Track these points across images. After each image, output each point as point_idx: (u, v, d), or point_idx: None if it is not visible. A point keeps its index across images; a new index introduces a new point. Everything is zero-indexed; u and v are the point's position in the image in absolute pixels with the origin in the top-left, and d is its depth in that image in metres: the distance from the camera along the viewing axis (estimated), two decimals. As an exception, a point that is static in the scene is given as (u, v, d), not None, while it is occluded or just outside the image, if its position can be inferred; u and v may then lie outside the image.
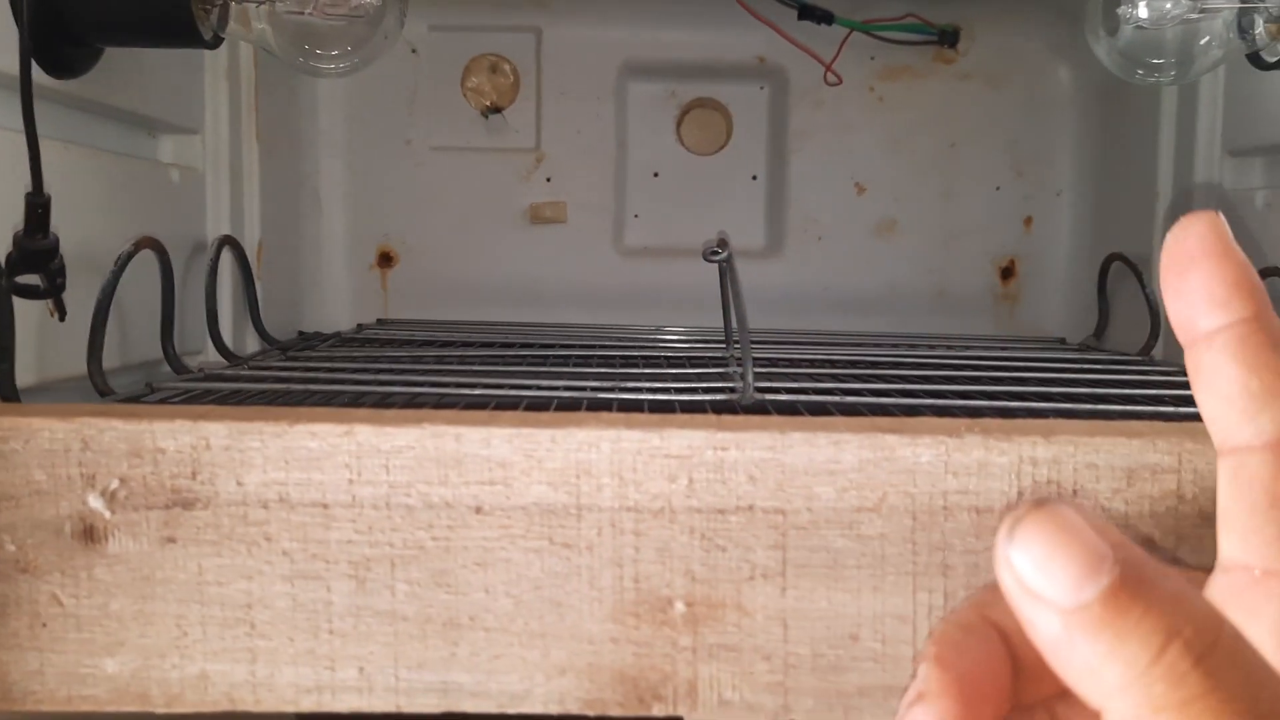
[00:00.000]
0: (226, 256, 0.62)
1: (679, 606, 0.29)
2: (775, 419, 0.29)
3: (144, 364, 0.55)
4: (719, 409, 0.43)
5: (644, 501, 0.29)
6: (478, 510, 0.29)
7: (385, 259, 0.81)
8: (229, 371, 0.50)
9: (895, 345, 0.68)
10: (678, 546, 0.29)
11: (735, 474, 0.29)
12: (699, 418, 0.29)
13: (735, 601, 0.29)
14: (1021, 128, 0.80)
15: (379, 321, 0.80)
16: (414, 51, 0.79)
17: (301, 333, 0.75)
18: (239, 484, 0.28)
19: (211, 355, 0.62)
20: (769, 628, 0.29)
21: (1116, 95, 0.75)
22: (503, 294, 0.81)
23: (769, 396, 0.43)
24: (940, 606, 0.29)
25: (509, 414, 0.29)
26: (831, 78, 0.74)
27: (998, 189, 0.80)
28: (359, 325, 0.77)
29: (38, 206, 0.35)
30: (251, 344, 0.67)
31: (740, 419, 0.29)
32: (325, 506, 0.29)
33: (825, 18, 0.70)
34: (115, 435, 0.28)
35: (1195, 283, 0.20)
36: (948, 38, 0.76)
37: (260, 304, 0.65)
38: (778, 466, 0.29)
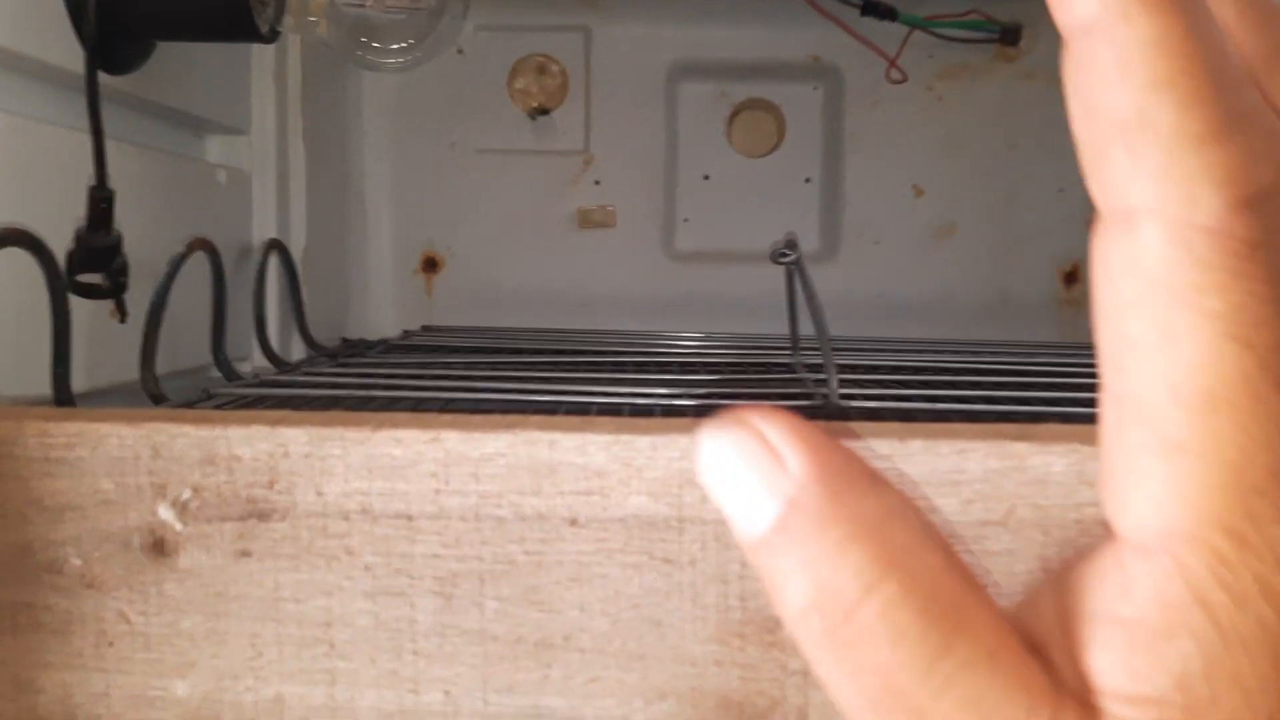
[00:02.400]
0: (272, 261, 0.60)
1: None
2: (893, 425, 0.27)
3: (192, 370, 0.54)
4: (809, 415, 0.41)
5: (751, 514, 0.27)
6: (572, 522, 0.27)
7: (430, 264, 0.80)
8: (284, 378, 0.49)
9: (958, 351, 0.66)
10: (788, 562, 0.27)
11: (851, 484, 0.26)
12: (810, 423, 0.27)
13: (849, 622, 0.27)
14: (1085, 128, 0.77)
15: (424, 328, 0.78)
16: (460, 52, 0.77)
17: (346, 339, 0.73)
18: (319, 494, 0.27)
19: (258, 361, 0.60)
20: (886, 650, 0.27)
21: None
22: (550, 300, 0.79)
23: (853, 403, 0.41)
24: (1072, 628, 0.27)
25: (605, 420, 0.27)
26: (895, 75, 0.72)
27: (1061, 191, 0.78)
28: (405, 331, 0.75)
29: (101, 201, 0.33)
30: (296, 350, 0.65)
31: (856, 426, 0.27)
32: (410, 518, 0.27)
33: (889, 14, 0.68)
34: (188, 442, 0.26)
35: None
36: (1009, 35, 0.74)
37: (305, 309, 0.64)
38: (896, 476, 0.26)
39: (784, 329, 0.58)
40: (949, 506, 0.26)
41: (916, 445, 0.26)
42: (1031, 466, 0.26)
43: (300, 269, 0.64)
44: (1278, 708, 0.14)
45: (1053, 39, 0.76)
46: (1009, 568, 0.27)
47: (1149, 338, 0.14)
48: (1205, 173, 0.14)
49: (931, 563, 0.17)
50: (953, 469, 0.26)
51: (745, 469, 0.17)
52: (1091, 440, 0.26)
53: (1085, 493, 0.26)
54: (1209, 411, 0.14)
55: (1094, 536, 0.16)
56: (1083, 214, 0.78)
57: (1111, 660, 0.15)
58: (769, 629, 0.27)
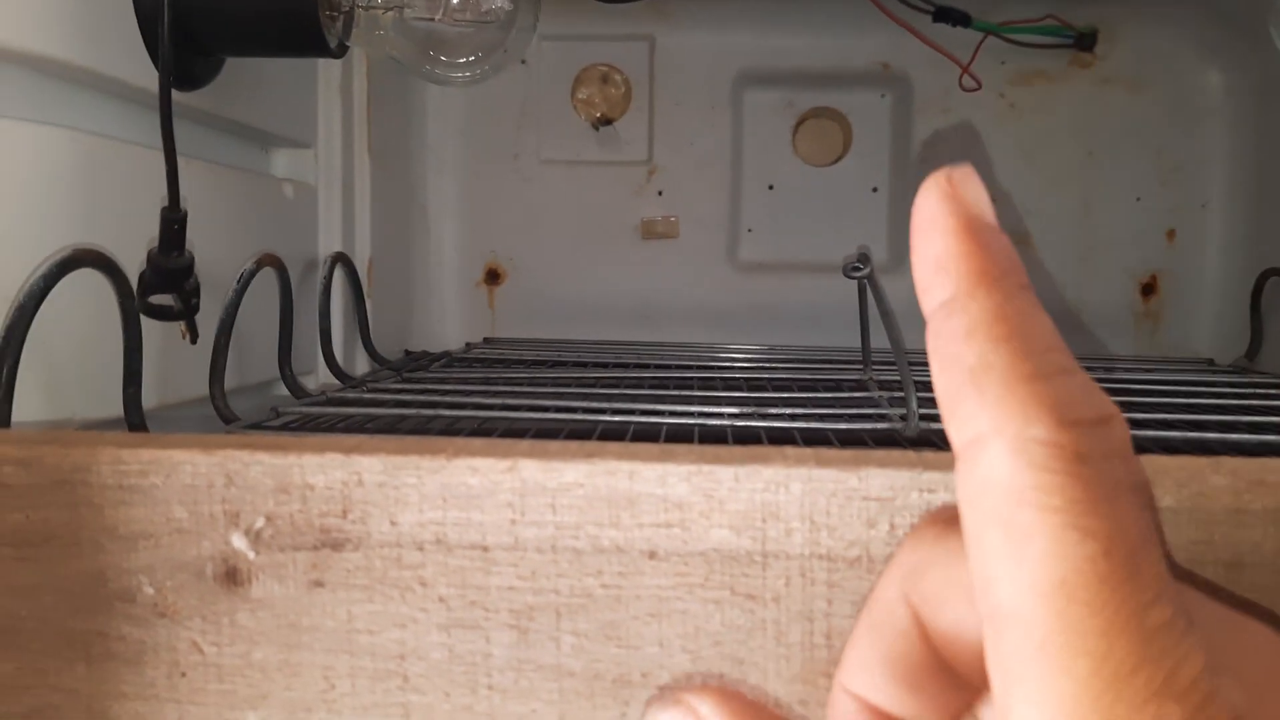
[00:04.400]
0: (337, 273, 0.60)
1: (877, 667, 0.26)
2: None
3: (258, 385, 0.54)
4: (879, 440, 0.40)
5: (838, 549, 0.26)
6: (651, 555, 0.26)
7: (492, 276, 0.79)
8: (351, 395, 0.48)
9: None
10: (876, 600, 0.26)
11: (944, 519, 0.25)
12: (898, 455, 0.26)
13: (941, 663, 0.26)
14: (1165, 135, 0.75)
15: (486, 340, 0.78)
16: (523, 63, 0.77)
17: (408, 351, 0.73)
18: (393, 523, 0.26)
19: (322, 374, 0.60)
20: (980, 693, 0.26)
21: (1275, 98, 0.70)
22: (612, 311, 0.78)
23: (934, 425, 0.40)
24: (1179, 673, 0.25)
25: (686, 449, 0.26)
26: (969, 82, 0.70)
27: (1138, 200, 0.75)
28: (467, 344, 0.75)
29: (174, 223, 0.33)
30: (360, 361, 0.65)
31: (945, 456, 0.26)
32: (485, 549, 0.26)
33: (962, 20, 0.66)
34: (261, 470, 0.26)
35: (915, 258, 0.19)
36: (1086, 40, 0.72)
37: (369, 321, 0.63)
38: (992, 511, 0.25)
39: (850, 340, 0.56)
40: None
41: (1014, 479, 0.25)
42: (1137, 502, 0.25)
43: (365, 281, 0.64)
44: None
45: (1131, 44, 0.74)
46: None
47: (1004, 544, 0.16)
48: (1036, 400, 0.16)
49: None
50: (1052, 504, 0.25)
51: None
52: (1200, 475, 0.25)
53: (1191, 531, 0.25)
54: (1066, 602, 0.15)
55: None
56: (1162, 223, 0.75)
57: None
58: (856, 669, 0.26)
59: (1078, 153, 0.75)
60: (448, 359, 0.66)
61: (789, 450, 0.27)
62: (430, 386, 0.53)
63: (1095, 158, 0.75)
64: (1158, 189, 0.75)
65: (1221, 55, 0.73)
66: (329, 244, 0.63)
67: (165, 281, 0.34)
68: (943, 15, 0.66)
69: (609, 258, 0.79)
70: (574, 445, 0.27)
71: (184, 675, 0.26)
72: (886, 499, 0.25)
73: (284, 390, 0.52)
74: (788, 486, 0.26)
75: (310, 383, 0.60)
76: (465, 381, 0.56)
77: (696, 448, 0.27)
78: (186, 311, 0.35)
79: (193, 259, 0.35)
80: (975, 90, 0.72)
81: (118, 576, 0.26)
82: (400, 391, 0.51)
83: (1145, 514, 0.16)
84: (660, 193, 0.78)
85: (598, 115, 0.77)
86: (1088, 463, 0.16)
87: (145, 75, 0.40)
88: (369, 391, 0.51)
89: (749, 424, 0.41)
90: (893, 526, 0.25)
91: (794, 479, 0.26)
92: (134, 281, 0.35)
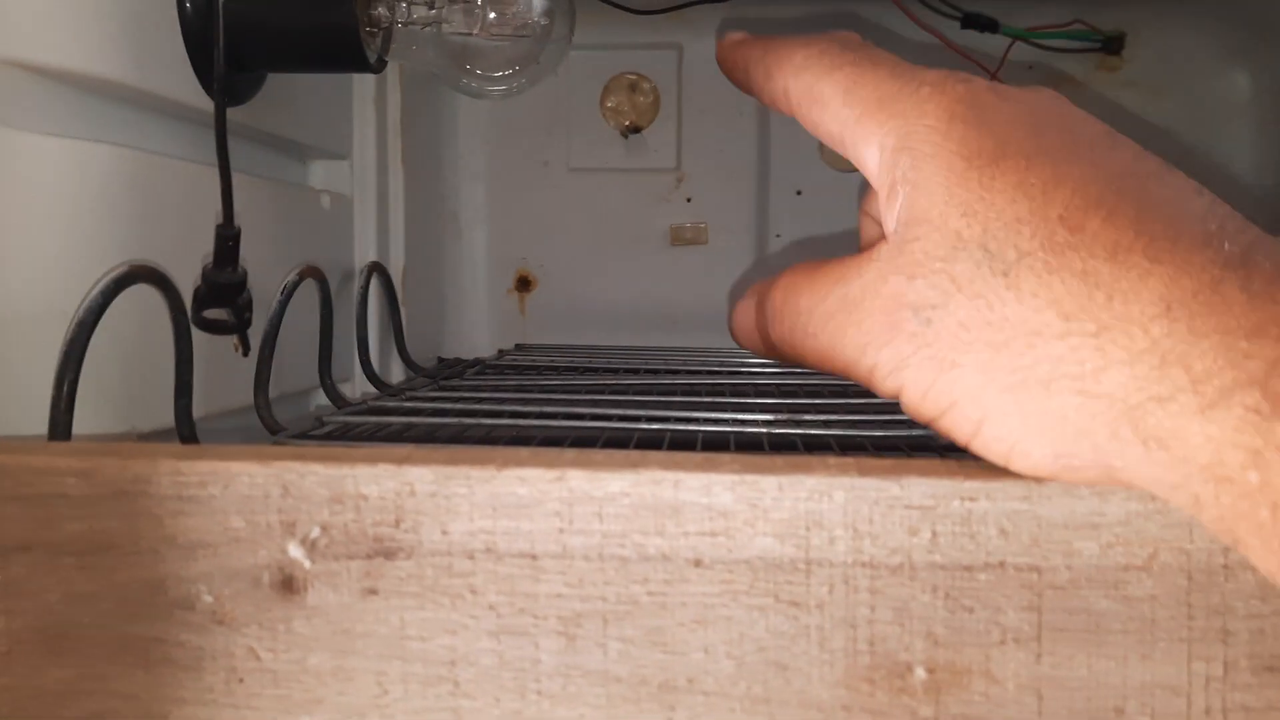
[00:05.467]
0: (372, 283, 0.61)
1: (919, 673, 0.26)
2: (1028, 466, 0.26)
3: (298, 394, 0.55)
4: (913, 445, 0.40)
5: (881, 556, 0.26)
6: (697, 563, 0.26)
7: (523, 283, 0.80)
8: (391, 404, 0.49)
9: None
10: (918, 606, 0.26)
11: (985, 527, 0.26)
12: (939, 464, 0.26)
13: (983, 668, 0.26)
14: (1193, 138, 0.75)
15: (517, 346, 0.79)
16: (553, 72, 0.78)
17: (441, 358, 0.74)
18: (444, 533, 0.27)
19: (359, 382, 0.61)
20: (1021, 698, 0.26)
21: (1302, 100, 0.70)
22: (642, 317, 0.79)
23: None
24: (1219, 677, 0.26)
25: (729, 458, 0.27)
26: (998, 88, 0.70)
27: (1167, 203, 0.75)
28: (500, 351, 0.76)
29: (228, 239, 0.34)
30: (395, 370, 0.66)
31: (984, 466, 0.26)
32: (534, 557, 0.27)
33: (990, 25, 0.66)
34: (316, 480, 0.27)
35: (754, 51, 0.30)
36: (1112, 44, 0.72)
37: (404, 329, 0.64)
38: (1033, 519, 0.26)
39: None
40: (1088, 550, 0.25)
41: (1054, 487, 0.25)
42: (1176, 509, 0.25)
43: (399, 290, 0.65)
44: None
45: (1156, 47, 0.74)
46: (1151, 614, 0.26)
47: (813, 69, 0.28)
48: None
49: None
50: (1092, 511, 0.25)
51: None
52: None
53: (1234, 537, 0.25)
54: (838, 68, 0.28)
55: None
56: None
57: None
58: (899, 674, 0.26)
59: (1107, 156, 0.75)
60: (481, 366, 0.67)
61: (831, 459, 0.27)
62: (466, 394, 0.54)
63: (1124, 161, 0.75)
64: (1187, 192, 0.75)
65: (1247, 57, 0.73)
66: (364, 253, 0.64)
67: (219, 296, 0.34)
68: (970, 21, 0.66)
69: (638, 264, 0.79)
70: (620, 455, 0.27)
71: (241, 681, 0.27)
72: (928, 507, 0.26)
73: (322, 397, 0.52)
74: (831, 495, 0.26)
75: (348, 390, 0.61)
76: (499, 389, 0.56)
77: (740, 457, 0.27)
78: (239, 325, 0.36)
79: (245, 274, 0.36)
80: (1004, 96, 0.72)
81: (176, 585, 0.27)
82: (437, 399, 0.52)
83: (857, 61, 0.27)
84: (689, 199, 0.79)
85: (626, 123, 0.78)
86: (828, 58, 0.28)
87: (192, 92, 0.41)
88: (407, 400, 0.51)
89: (784, 431, 0.42)
90: (934, 534, 0.26)
91: (837, 488, 0.26)
92: (185, 295, 0.35)
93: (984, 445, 0.24)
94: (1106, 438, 0.22)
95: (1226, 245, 0.22)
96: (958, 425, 0.25)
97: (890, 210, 0.26)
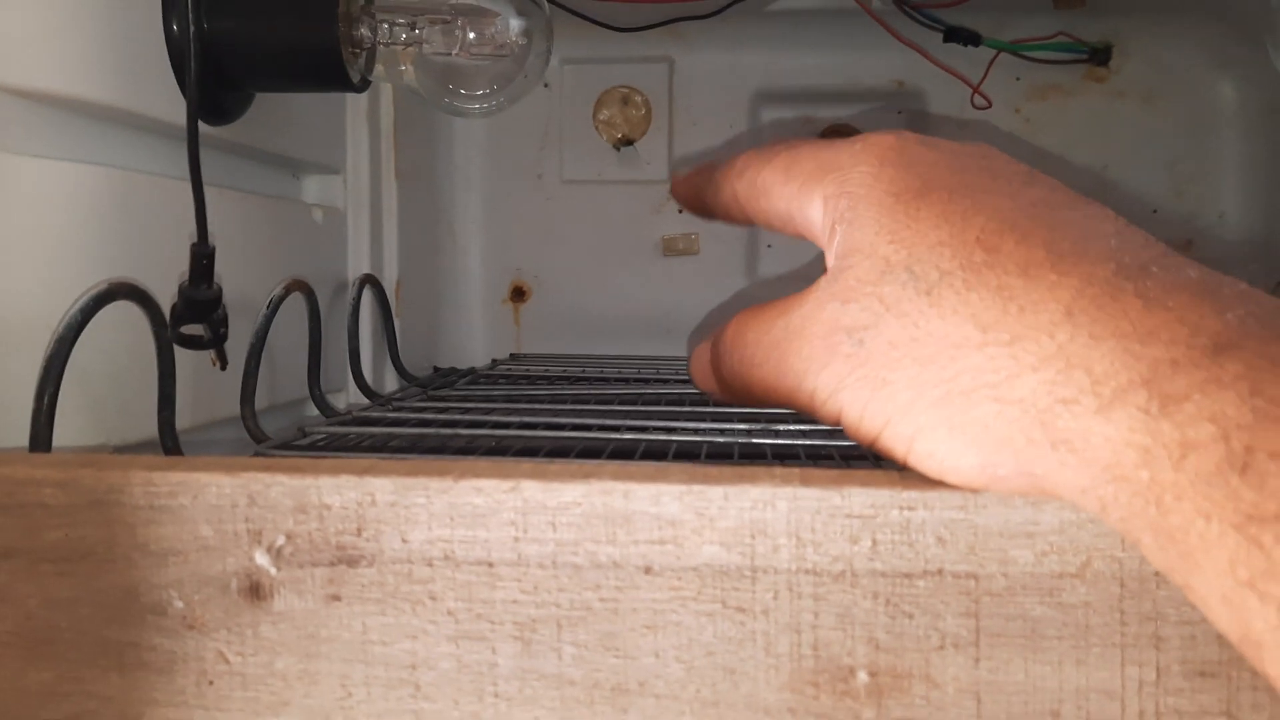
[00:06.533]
0: (366, 294, 0.62)
1: (862, 676, 0.27)
2: (965, 476, 0.27)
3: (289, 404, 0.56)
4: (877, 458, 0.41)
5: (823, 564, 0.27)
6: (647, 570, 0.27)
7: (518, 293, 0.81)
8: (375, 414, 0.50)
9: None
10: (860, 612, 0.27)
11: (923, 535, 0.27)
12: (880, 474, 0.27)
13: (923, 672, 0.27)
14: (1180, 147, 0.75)
15: (512, 356, 0.80)
16: (546, 86, 0.79)
17: (437, 368, 0.75)
18: (404, 541, 0.28)
19: (352, 392, 0.62)
20: (961, 701, 0.27)
21: (1287, 110, 0.71)
22: (635, 326, 0.80)
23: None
24: (1152, 681, 0.27)
25: (679, 468, 0.28)
26: (980, 101, 0.71)
27: (1155, 212, 0.76)
28: (494, 360, 0.77)
29: (203, 257, 0.35)
30: (389, 379, 0.67)
31: (923, 477, 0.27)
32: (490, 565, 0.28)
33: (972, 39, 0.67)
34: (281, 490, 0.28)
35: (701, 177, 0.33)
36: (1099, 55, 0.72)
37: (398, 340, 0.65)
38: (969, 528, 0.26)
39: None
40: (1023, 558, 0.26)
41: (989, 497, 0.26)
42: (1108, 519, 0.26)
43: (393, 301, 0.66)
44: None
45: (1144, 57, 0.75)
46: (1085, 620, 0.26)
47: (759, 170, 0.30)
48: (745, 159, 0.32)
49: None
50: (1027, 520, 0.26)
51: None
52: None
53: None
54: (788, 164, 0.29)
55: None
56: (1179, 235, 0.76)
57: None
58: (842, 678, 0.27)
59: (1093, 166, 0.76)
60: (473, 375, 0.68)
61: (776, 470, 0.28)
62: (453, 405, 0.55)
63: (1111, 171, 0.76)
64: (1174, 201, 0.76)
65: (1234, 67, 0.74)
66: (358, 266, 0.65)
67: (195, 312, 0.36)
68: (953, 35, 0.67)
69: (631, 274, 0.80)
70: (573, 466, 0.28)
71: (211, 684, 0.28)
72: (868, 516, 0.27)
73: (314, 408, 0.54)
74: (774, 504, 0.27)
75: (341, 400, 0.62)
76: (488, 399, 0.57)
77: (688, 467, 0.28)
78: (215, 340, 0.37)
79: (220, 291, 0.37)
80: (986, 109, 0.73)
81: (149, 590, 0.28)
82: (424, 410, 0.53)
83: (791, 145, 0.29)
84: (680, 211, 0.80)
85: (619, 136, 0.79)
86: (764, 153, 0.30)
87: (179, 112, 0.42)
88: (394, 410, 0.53)
89: (756, 441, 0.43)
90: (875, 542, 0.27)
91: (780, 497, 0.27)
92: (166, 310, 0.37)
93: (918, 460, 0.25)
94: (1024, 444, 0.23)
95: (1127, 258, 0.23)
96: (894, 443, 0.26)
97: (830, 247, 0.27)
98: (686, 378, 0.64)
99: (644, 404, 0.55)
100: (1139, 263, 0.23)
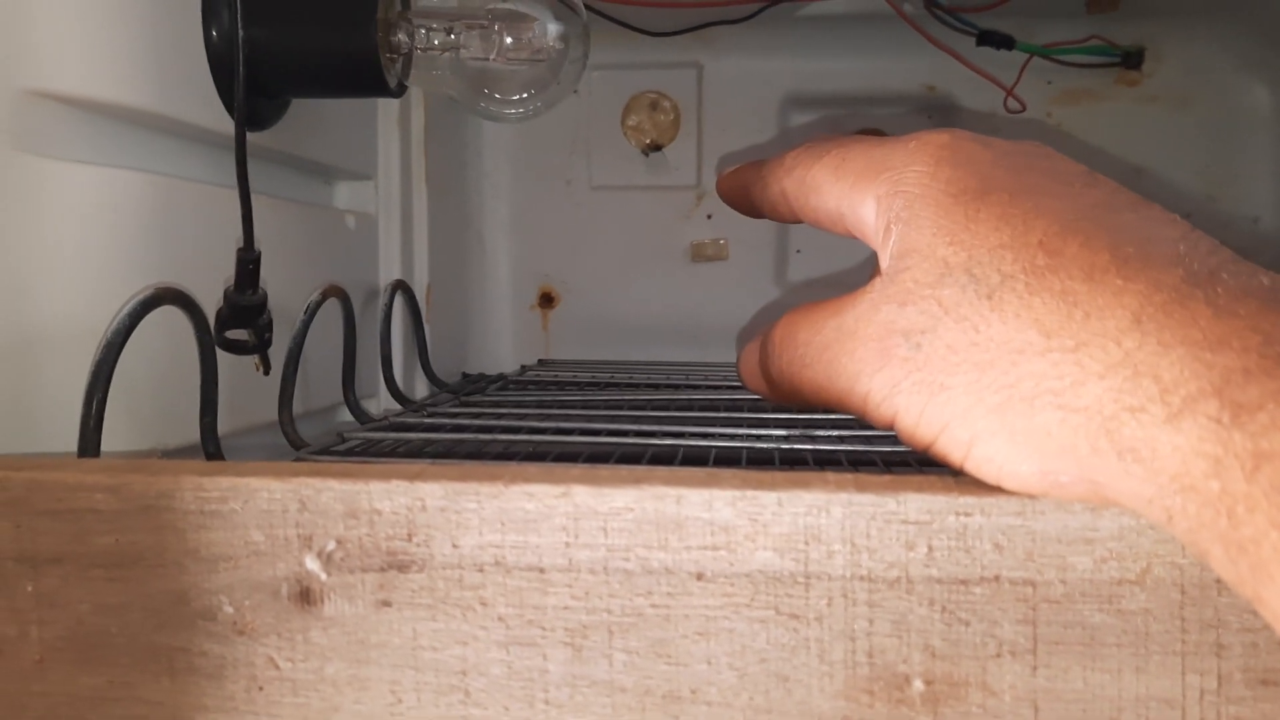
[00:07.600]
0: (397, 300, 0.62)
1: (917, 684, 0.27)
2: (1022, 482, 0.27)
3: (323, 410, 0.56)
4: (922, 462, 0.41)
5: (878, 570, 0.27)
6: (699, 577, 0.27)
7: (546, 299, 0.81)
8: (411, 420, 0.50)
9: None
10: (916, 619, 0.27)
11: (980, 542, 0.26)
12: (936, 480, 0.27)
13: (980, 680, 0.27)
14: (1214, 150, 0.75)
15: (540, 362, 0.80)
16: (575, 92, 0.79)
17: (465, 374, 0.75)
18: (454, 546, 0.27)
19: (384, 398, 0.62)
20: (1018, 710, 0.27)
21: (1322, 113, 0.70)
22: (664, 332, 0.80)
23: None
24: (1214, 690, 0.26)
25: (731, 474, 0.28)
26: (1013, 104, 0.71)
27: (1188, 216, 0.75)
28: (523, 366, 0.77)
29: (249, 263, 0.35)
30: (419, 385, 0.67)
31: (980, 483, 0.27)
32: (541, 571, 0.27)
33: (1005, 42, 0.67)
34: (332, 496, 0.28)
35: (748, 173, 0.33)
36: (1132, 59, 0.72)
37: (428, 346, 0.65)
38: (1027, 534, 0.26)
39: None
40: (1081, 565, 0.26)
41: (1047, 502, 0.26)
42: (1169, 524, 0.26)
43: (423, 307, 0.66)
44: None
45: (1176, 61, 0.74)
46: (1145, 628, 0.26)
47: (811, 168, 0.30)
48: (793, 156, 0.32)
49: None
50: (1085, 526, 0.26)
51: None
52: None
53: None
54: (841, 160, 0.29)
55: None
56: (1214, 237, 0.75)
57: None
58: (897, 686, 0.27)
59: (1126, 170, 0.75)
60: (504, 381, 0.68)
61: (830, 475, 0.28)
62: (487, 410, 0.55)
63: (1144, 175, 0.75)
64: (1207, 205, 0.75)
65: (1267, 71, 0.73)
66: (389, 272, 0.65)
67: (240, 317, 0.36)
68: (986, 39, 0.67)
69: (659, 280, 0.80)
70: (624, 471, 0.28)
71: (261, 689, 0.28)
72: (924, 522, 0.26)
73: (347, 414, 0.54)
74: (829, 510, 0.27)
75: (373, 406, 0.62)
76: (520, 404, 0.57)
77: (741, 473, 0.28)
78: (260, 345, 0.37)
79: (265, 296, 0.37)
80: (1020, 112, 0.73)
81: (199, 596, 0.28)
82: (458, 415, 0.53)
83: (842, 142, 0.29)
84: (709, 216, 0.80)
85: (647, 141, 0.79)
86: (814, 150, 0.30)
87: (218, 118, 0.42)
88: (428, 416, 0.53)
89: (796, 447, 0.42)
90: (930, 549, 0.26)
91: (835, 503, 0.27)
92: (209, 315, 0.37)
93: (976, 466, 0.25)
94: (1088, 452, 0.22)
95: (1195, 265, 0.22)
96: (951, 448, 0.25)
97: (885, 248, 0.27)
98: (717, 383, 0.64)
99: (677, 409, 0.55)
100: (1208, 269, 0.22)
